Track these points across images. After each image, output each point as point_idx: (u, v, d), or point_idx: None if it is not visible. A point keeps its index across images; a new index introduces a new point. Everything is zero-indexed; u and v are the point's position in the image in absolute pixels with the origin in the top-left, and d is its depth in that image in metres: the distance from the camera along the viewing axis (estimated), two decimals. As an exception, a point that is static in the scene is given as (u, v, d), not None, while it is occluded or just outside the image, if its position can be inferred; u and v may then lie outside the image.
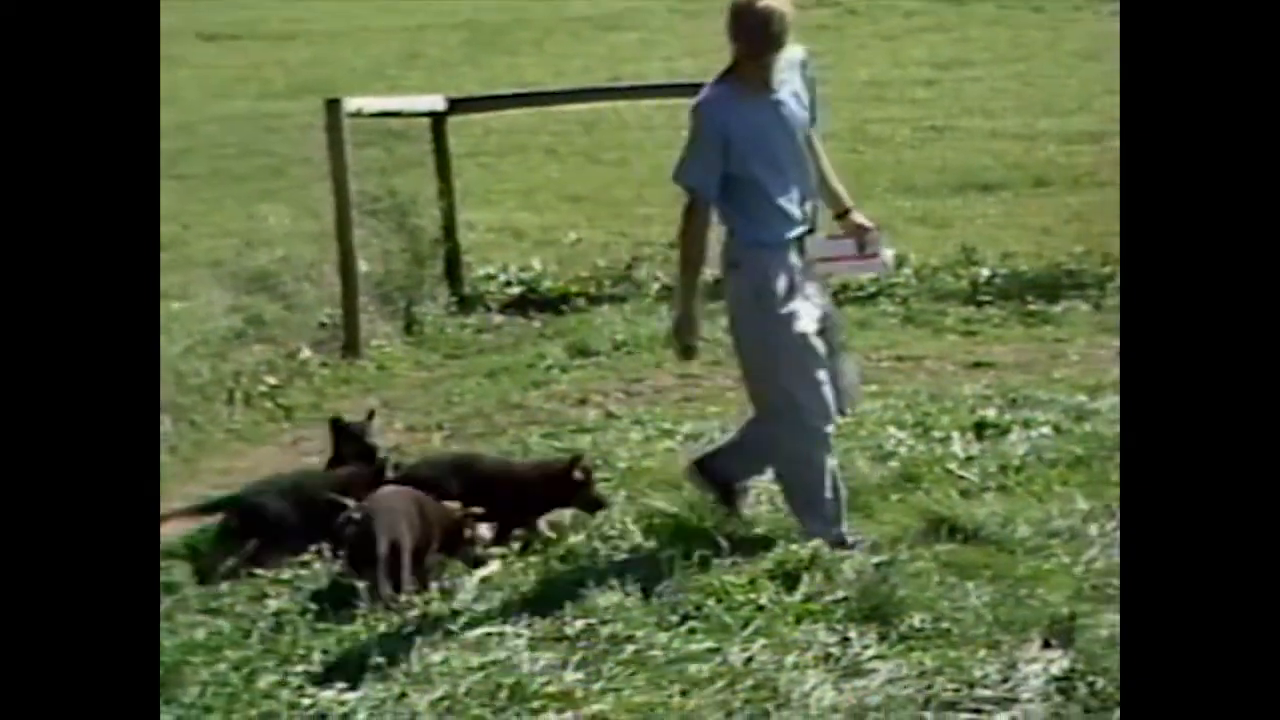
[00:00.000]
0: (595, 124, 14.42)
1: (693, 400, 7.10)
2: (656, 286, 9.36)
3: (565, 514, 5.30)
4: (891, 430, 6.11)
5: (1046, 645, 4.15)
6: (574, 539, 5.14)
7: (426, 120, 9.47)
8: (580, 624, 4.41)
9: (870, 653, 4.18)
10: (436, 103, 9.55)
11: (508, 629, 4.37)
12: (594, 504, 5.24)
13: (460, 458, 5.57)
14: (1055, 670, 4.00)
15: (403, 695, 4.02)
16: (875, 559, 4.70)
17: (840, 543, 4.82)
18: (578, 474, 5.23)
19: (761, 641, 4.26)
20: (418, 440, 6.66)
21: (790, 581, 4.61)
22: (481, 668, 4.13)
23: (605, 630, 4.36)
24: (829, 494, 4.88)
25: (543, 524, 5.25)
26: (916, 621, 4.30)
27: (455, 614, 4.54)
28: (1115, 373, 7.18)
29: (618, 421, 6.69)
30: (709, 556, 4.83)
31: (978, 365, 7.54)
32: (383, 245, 8.88)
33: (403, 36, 19.27)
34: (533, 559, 5.03)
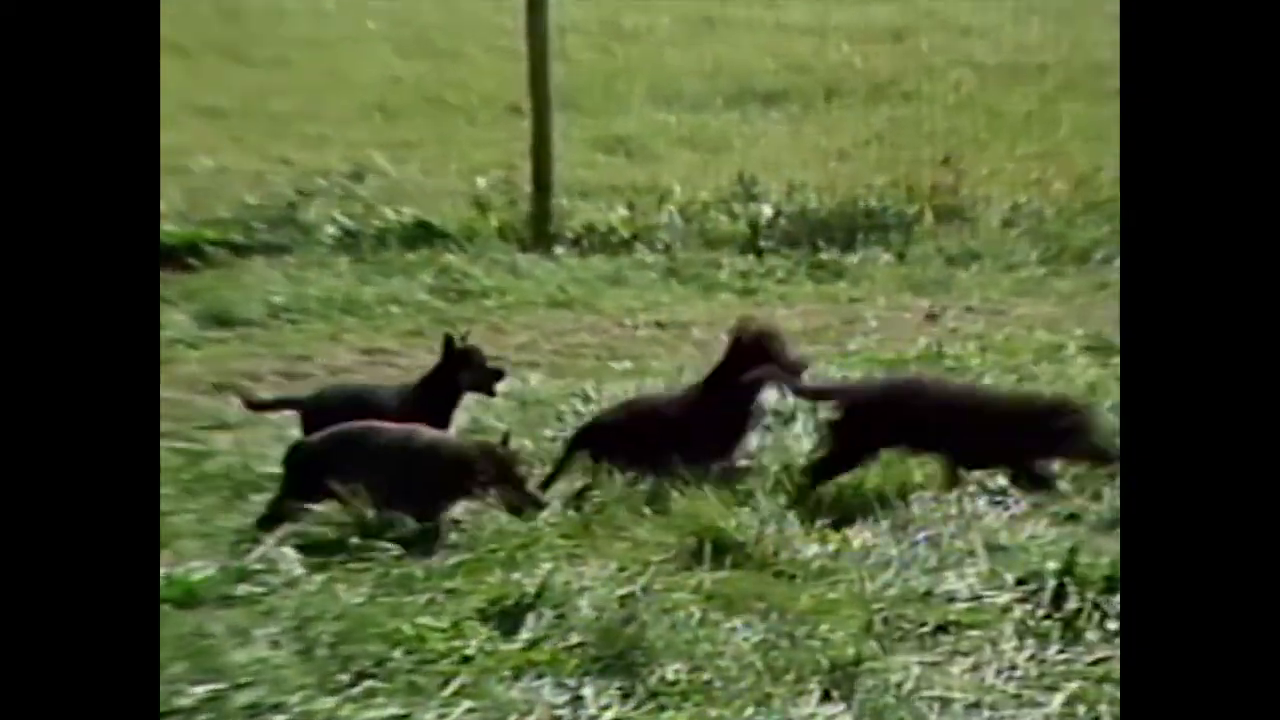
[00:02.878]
0: (239, 10, 14.02)
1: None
2: (332, 231, 9.18)
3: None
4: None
5: (826, 698, 4.25)
6: (201, 573, 4.92)
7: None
8: (203, 691, 4.17)
9: (610, 715, 4.23)
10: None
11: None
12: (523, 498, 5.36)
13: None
14: (834, 731, 4.11)
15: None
16: (620, 592, 4.77)
17: None
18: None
19: (467, 705, 4.23)
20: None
21: (509, 623, 4.63)
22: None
23: (241, 699, 4.15)
24: None
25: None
26: (669, 673, 4.35)
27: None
28: (922, 343, 7.47)
29: (272, 417, 6.39)
30: (397, 590, 4.80)
31: (757, 334, 7.67)
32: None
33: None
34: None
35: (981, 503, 5.40)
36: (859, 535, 5.20)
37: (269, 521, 5.34)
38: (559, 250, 9.30)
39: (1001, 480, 5.50)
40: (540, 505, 5.36)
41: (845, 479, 5.57)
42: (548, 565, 4.92)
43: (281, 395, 6.39)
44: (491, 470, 5.31)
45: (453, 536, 5.22)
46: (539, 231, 9.44)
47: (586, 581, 4.85)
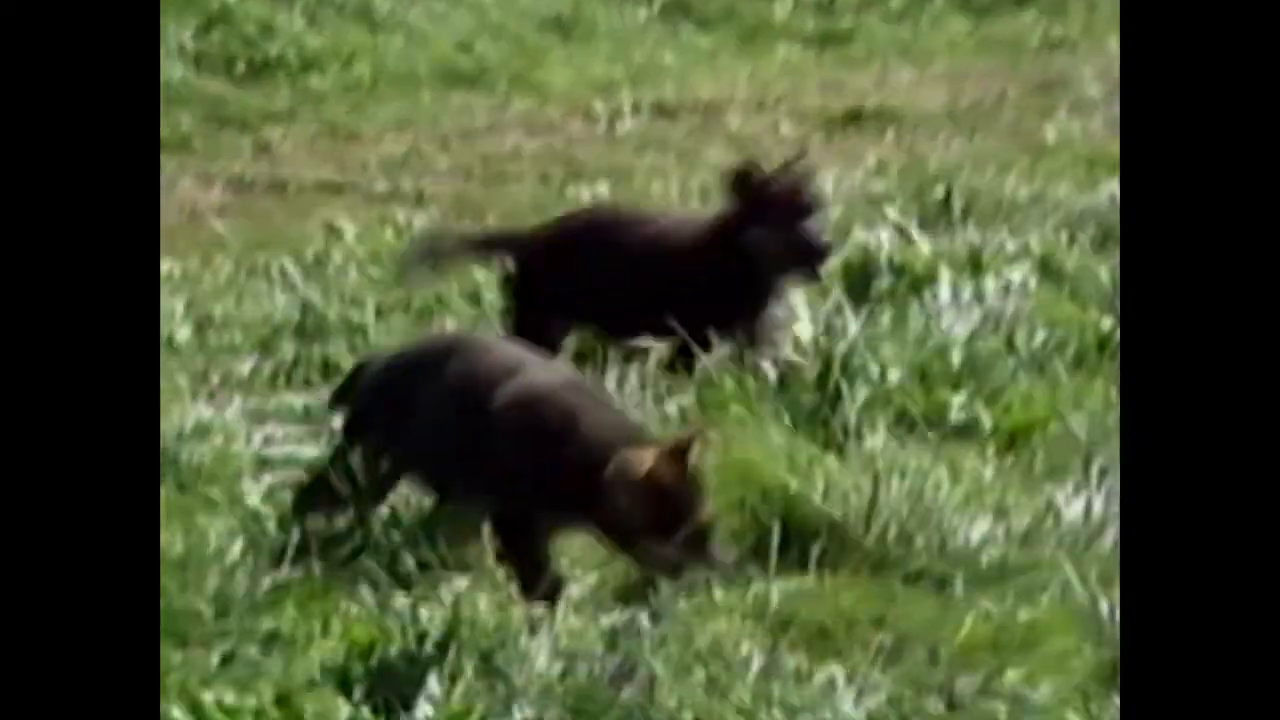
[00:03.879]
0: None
1: None
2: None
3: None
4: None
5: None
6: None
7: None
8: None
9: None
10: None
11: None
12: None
13: None
14: None
15: None
16: (606, 621, 3.70)
17: None
18: None
19: None
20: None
21: (393, 689, 3.50)
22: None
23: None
24: None
25: None
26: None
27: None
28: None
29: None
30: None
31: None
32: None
33: None
34: None
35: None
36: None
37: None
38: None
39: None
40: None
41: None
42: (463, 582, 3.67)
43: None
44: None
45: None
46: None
47: (539, 609, 3.64)
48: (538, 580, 3.82)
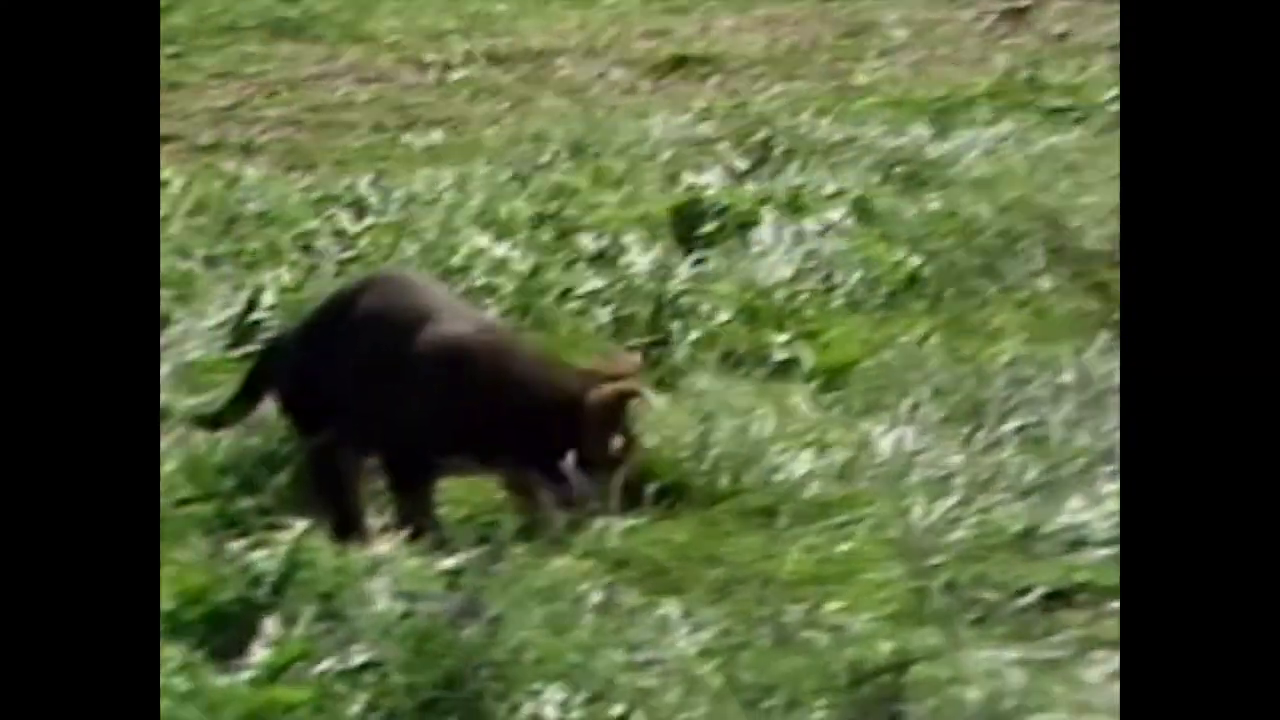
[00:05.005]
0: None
1: None
2: None
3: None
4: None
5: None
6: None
7: None
8: None
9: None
10: None
11: None
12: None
13: None
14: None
15: None
16: (446, 563, 3.65)
17: None
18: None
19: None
20: None
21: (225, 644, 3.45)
22: None
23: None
24: None
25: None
26: (547, 709, 3.33)
27: None
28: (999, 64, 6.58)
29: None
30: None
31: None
32: None
33: None
34: None
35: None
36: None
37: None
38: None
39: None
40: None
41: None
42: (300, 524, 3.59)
43: None
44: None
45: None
46: None
47: (378, 551, 3.63)
48: (424, 523, 3.92)
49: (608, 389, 3.95)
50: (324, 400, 4.10)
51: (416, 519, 3.94)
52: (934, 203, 5.99)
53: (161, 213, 6.07)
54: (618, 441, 3.97)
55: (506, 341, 4.19)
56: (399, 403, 4.00)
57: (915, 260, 5.51)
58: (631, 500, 4.01)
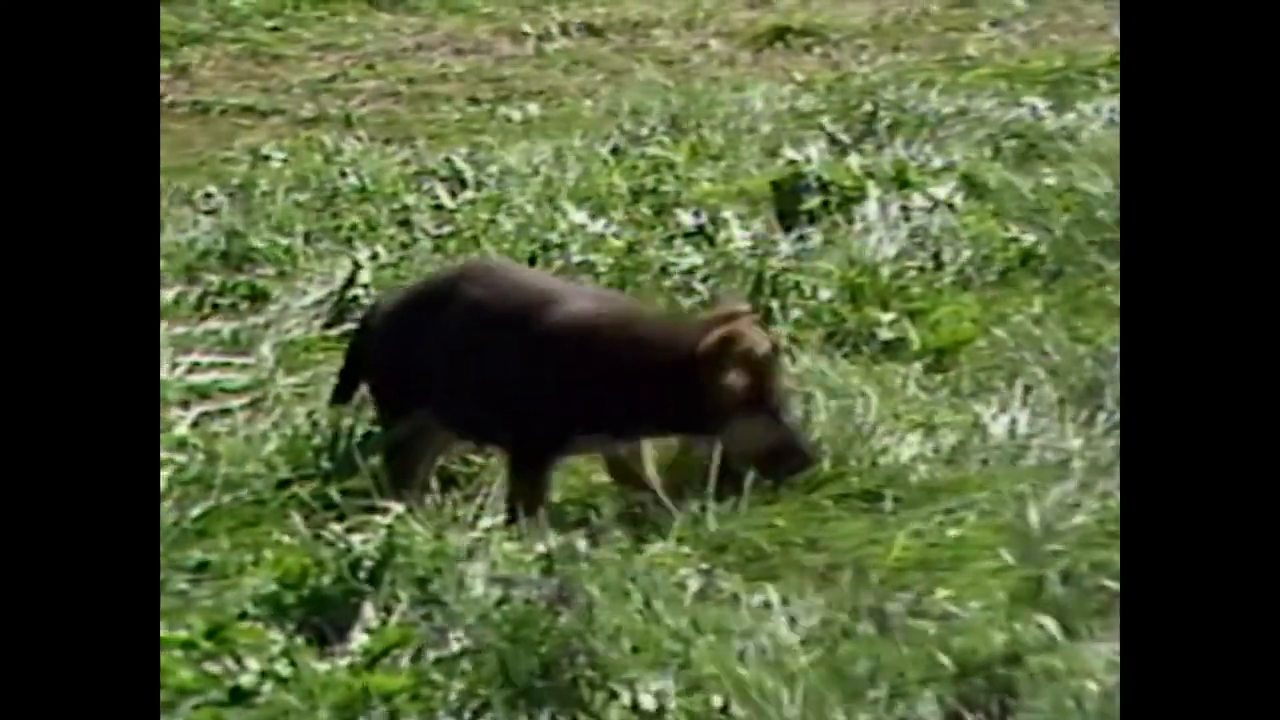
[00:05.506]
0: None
1: None
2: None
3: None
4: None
5: None
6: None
7: None
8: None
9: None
10: None
11: None
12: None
13: None
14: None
15: None
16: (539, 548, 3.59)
17: None
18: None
19: None
20: None
21: (321, 626, 3.45)
22: None
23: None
24: None
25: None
26: (645, 698, 3.26)
27: None
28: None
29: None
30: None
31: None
32: None
33: None
34: None
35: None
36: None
37: None
38: None
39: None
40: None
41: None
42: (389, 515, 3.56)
43: None
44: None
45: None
46: None
47: (475, 535, 3.60)
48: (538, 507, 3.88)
49: (715, 332, 3.89)
50: (417, 386, 4.05)
51: (532, 503, 3.89)
52: (1050, 178, 5.83)
53: (264, 188, 6.13)
54: (743, 381, 3.88)
55: (631, 310, 4.16)
56: (529, 386, 3.95)
57: (1030, 237, 5.36)
58: (733, 484, 3.94)
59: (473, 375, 4.00)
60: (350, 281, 5.14)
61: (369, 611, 3.39)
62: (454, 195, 5.96)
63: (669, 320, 4.21)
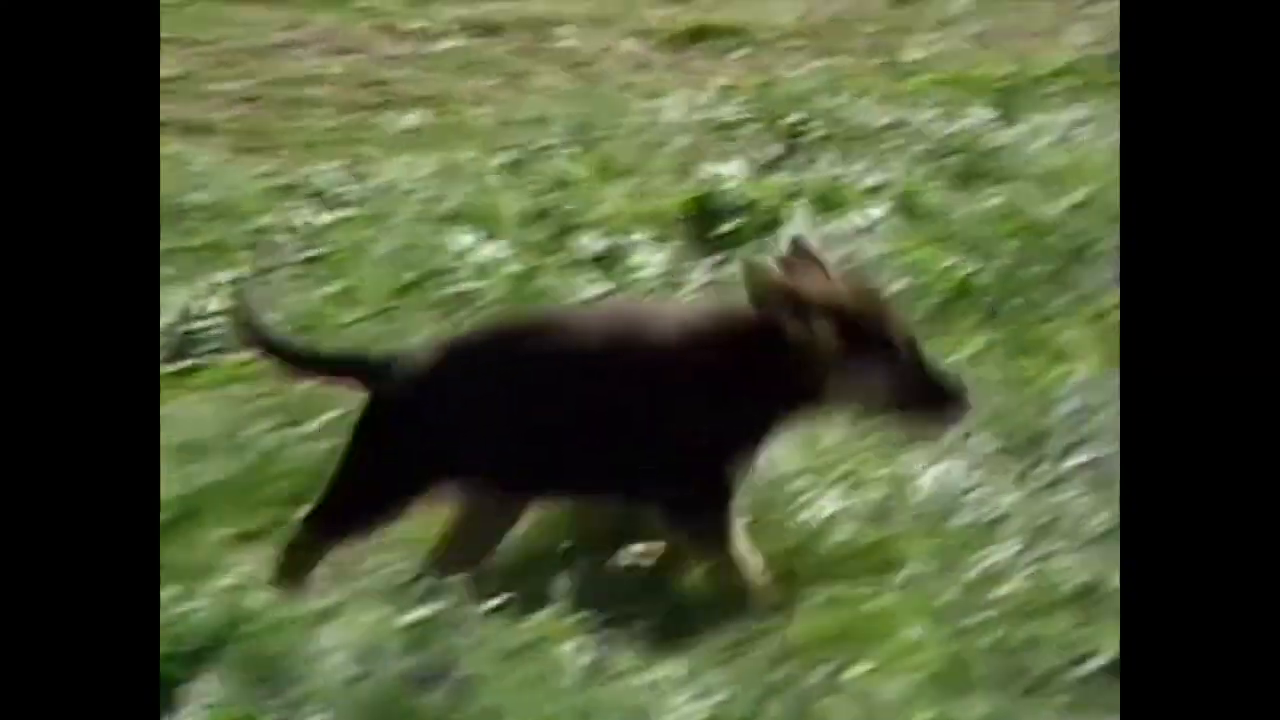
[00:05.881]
0: None
1: None
2: None
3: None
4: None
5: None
6: None
7: None
8: None
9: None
10: None
11: None
12: None
13: None
14: None
15: None
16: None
17: None
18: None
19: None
20: None
21: None
22: None
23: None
24: None
25: None
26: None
27: None
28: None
29: None
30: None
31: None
32: None
33: None
34: None
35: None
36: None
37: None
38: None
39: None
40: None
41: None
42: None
43: None
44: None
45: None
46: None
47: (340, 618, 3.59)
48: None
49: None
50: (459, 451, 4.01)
51: (737, 550, 3.93)
52: (994, 199, 5.97)
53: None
54: (830, 324, 3.92)
55: (712, 309, 4.19)
56: (657, 437, 3.96)
57: (970, 266, 5.47)
58: (623, 546, 3.98)
59: (591, 429, 3.98)
60: (194, 312, 5.18)
61: (204, 687, 3.40)
62: (322, 214, 6.02)
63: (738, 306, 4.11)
